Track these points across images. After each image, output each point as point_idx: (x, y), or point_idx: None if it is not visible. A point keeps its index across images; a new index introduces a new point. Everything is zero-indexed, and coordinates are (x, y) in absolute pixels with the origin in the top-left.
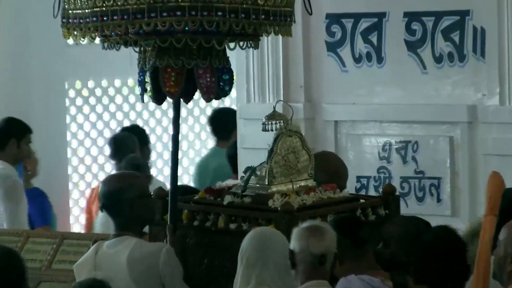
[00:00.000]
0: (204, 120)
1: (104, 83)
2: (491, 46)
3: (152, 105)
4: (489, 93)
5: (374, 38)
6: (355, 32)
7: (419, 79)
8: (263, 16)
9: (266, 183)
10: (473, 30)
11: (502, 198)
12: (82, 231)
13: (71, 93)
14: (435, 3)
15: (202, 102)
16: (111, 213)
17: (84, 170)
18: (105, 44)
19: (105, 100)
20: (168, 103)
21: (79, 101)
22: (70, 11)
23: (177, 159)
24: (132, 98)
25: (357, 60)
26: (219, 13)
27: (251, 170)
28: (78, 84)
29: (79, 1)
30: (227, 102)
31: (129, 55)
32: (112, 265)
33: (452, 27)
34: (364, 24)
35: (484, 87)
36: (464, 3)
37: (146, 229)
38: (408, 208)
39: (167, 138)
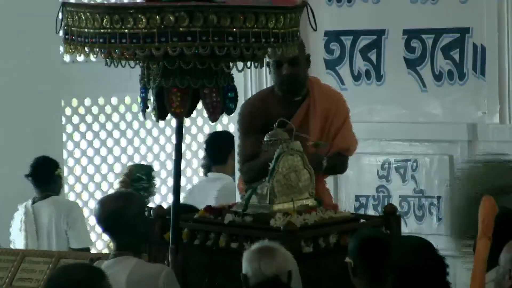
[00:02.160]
0: (201, 138)
1: (101, 100)
2: (491, 64)
3: (149, 123)
4: (489, 111)
5: (373, 56)
6: (354, 50)
7: (419, 97)
8: (272, 39)
9: (267, 202)
10: (473, 47)
11: (496, 220)
12: None
13: (68, 111)
14: (435, 20)
15: (199, 120)
16: (112, 234)
17: (81, 188)
18: (108, 61)
19: (102, 118)
20: (166, 121)
21: (75, 119)
22: (74, 28)
23: (179, 178)
24: (129, 116)
25: (356, 78)
26: (230, 38)
27: (252, 189)
28: (74, 102)
29: (84, 19)
30: (225, 120)
31: (127, 73)
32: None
33: (452, 45)
34: (363, 41)
35: (484, 106)
36: (464, 20)
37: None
38: (408, 227)
39: (164, 157)
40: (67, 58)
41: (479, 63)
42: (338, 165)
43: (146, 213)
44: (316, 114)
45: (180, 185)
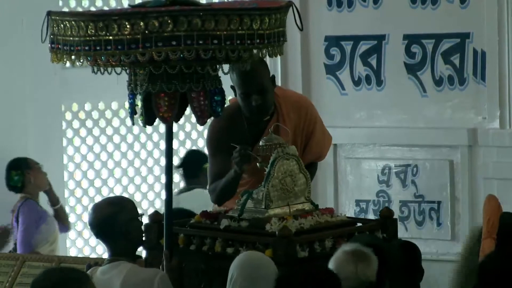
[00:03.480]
0: (201, 143)
1: (101, 105)
2: (491, 69)
3: (149, 128)
4: (489, 116)
5: (373, 61)
6: (354, 55)
7: (419, 102)
8: (258, 40)
9: (263, 206)
10: (474, 53)
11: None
12: (80, 255)
13: (68, 116)
14: (435, 25)
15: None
16: (105, 239)
17: (81, 193)
18: (95, 68)
19: (102, 123)
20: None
21: (75, 124)
22: (60, 37)
23: (171, 184)
24: (129, 121)
25: (357, 83)
26: (215, 41)
27: (248, 193)
28: (74, 107)
29: (69, 28)
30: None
31: (121, 77)
32: None
33: (452, 50)
34: (363, 46)
35: (485, 111)
36: (465, 25)
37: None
38: (408, 232)
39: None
40: (67, 62)
41: (479, 68)
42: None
43: (140, 218)
44: (285, 130)
45: (172, 191)
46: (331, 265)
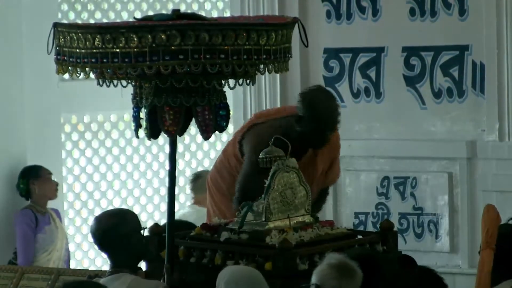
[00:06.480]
0: (201, 155)
1: (100, 117)
2: (490, 81)
3: (148, 141)
4: (488, 129)
5: (372, 73)
6: (353, 67)
7: (418, 115)
8: (264, 56)
9: (263, 219)
10: (473, 65)
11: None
12: (79, 267)
13: (67, 128)
14: (434, 37)
15: (199, 138)
16: (107, 251)
17: (80, 205)
18: (100, 80)
19: (101, 135)
20: (164, 138)
21: (74, 136)
22: (65, 49)
23: (174, 197)
24: (128, 133)
25: (355, 95)
26: (222, 56)
27: (248, 206)
28: (73, 119)
29: (76, 40)
30: (224, 138)
31: (125, 90)
32: None
33: (451, 62)
34: (362, 59)
35: (483, 123)
36: (464, 38)
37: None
38: (407, 244)
39: (163, 174)
40: (66, 75)
41: (478, 80)
42: (323, 201)
43: (142, 231)
44: (323, 156)
45: (174, 204)
46: (314, 277)
